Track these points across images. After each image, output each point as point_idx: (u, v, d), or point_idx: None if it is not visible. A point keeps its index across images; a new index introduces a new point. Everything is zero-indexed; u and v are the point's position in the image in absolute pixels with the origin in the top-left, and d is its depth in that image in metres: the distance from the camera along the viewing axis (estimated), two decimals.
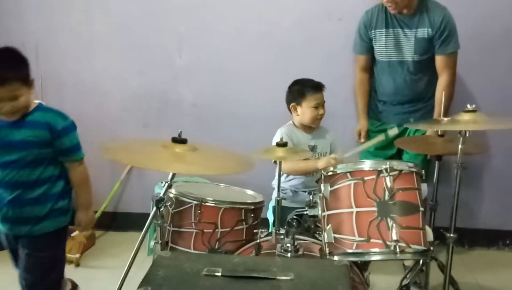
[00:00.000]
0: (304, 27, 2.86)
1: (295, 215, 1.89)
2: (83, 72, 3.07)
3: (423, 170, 1.73)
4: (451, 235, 1.87)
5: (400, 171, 1.62)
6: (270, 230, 1.98)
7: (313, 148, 2.32)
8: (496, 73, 2.80)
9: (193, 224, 1.87)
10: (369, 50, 2.60)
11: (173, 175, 1.71)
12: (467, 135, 1.78)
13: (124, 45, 3.00)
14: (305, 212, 1.81)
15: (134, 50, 3.00)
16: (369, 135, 2.70)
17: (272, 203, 2.34)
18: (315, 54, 2.88)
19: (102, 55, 3.04)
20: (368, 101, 2.71)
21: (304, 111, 2.29)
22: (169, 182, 1.67)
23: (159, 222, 1.75)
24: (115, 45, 3.01)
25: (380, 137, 2.08)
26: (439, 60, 2.48)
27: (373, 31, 2.53)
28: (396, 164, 1.63)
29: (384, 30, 2.49)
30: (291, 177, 2.32)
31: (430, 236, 1.65)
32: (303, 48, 2.88)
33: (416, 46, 2.46)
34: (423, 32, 2.44)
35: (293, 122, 2.38)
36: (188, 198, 1.89)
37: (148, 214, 1.81)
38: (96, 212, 3.07)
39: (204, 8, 2.90)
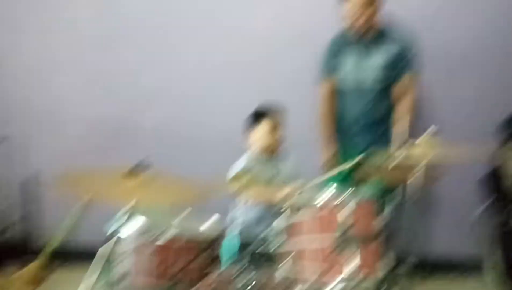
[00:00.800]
0: (266, 54, 2.91)
1: (257, 245, 1.87)
2: (41, 96, 3.02)
3: (381, 200, 1.76)
4: (410, 262, 1.90)
5: (358, 201, 1.65)
6: (231, 263, 1.94)
7: (274, 176, 2.32)
8: (454, 98, 2.91)
9: (151, 257, 1.81)
10: (334, 77, 2.63)
11: (131, 205, 1.67)
12: (422, 164, 1.84)
13: (85, 68, 2.95)
14: (263, 246, 1.80)
15: (95, 73, 2.96)
16: (334, 166, 2.64)
17: (233, 235, 2.30)
18: (278, 80, 2.92)
19: (61, 78, 2.99)
20: (332, 129, 2.72)
21: (259, 136, 2.30)
22: (126, 213, 1.62)
23: (115, 256, 1.68)
24: (76, 68, 2.97)
25: (342, 167, 2.12)
26: (401, 84, 2.56)
27: (338, 57, 2.58)
28: (354, 193, 1.65)
29: (348, 57, 2.56)
30: (253, 205, 2.30)
31: (389, 264, 1.67)
32: (266, 74, 2.92)
33: (378, 72, 2.52)
34: (387, 57, 2.51)
35: (253, 150, 2.38)
36: (145, 230, 1.83)
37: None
38: (49, 246, 2.94)
39: (166, 32, 2.91)
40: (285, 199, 1.98)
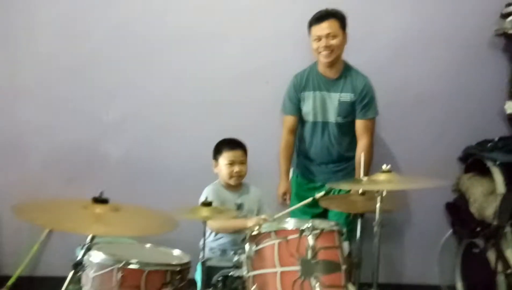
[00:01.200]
0: (235, 87, 2.96)
1: (222, 276, 1.86)
2: (4, 125, 2.94)
3: (345, 229, 1.79)
4: None
5: (322, 230, 1.67)
6: None
7: (239, 206, 2.35)
8: (408, 136, 3.02)
9: (115, 288, 1.78)
10: (297, 111, 2.68)
11: (93, 237, 1.64)
12: (384, 194, 1.89)
13: (49, 97, 2.92)
14: (231, 273, 1.79)
15: (59, 102, 2.93)
16: (299, 195, 2.71)
17: (199, 264, 2.29)
18: (246, 112, 2.97)
19: (25, 107, 2.93)
20: (290, 163, 2.77)
21: (221, 168, 2.34)
22: (87, 244, 1.59)
23: (76, 287, 1.65)
24: (40, 97, 2.92)
25: (308, 200, 2.16)
26: (359, 124, 2.63)
27: (302, 93, 2.63)
28: (318, 223, 1.68)
29: (312, 92, 2.61)
30: (219, 236, 2.31)
31: None
32: (234, 107, 2.96)
33: (339, 109, 2.59)
34: (346, 96, 2.59)
35: (219, 180, 2.40)
36: (109, 261, 1.80)
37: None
38: (10, 277, 2.85)
39: (134, 62, 2.92)
40: (251, 228, 2.00)
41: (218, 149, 2.38)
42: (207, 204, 1.82)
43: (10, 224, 2.95)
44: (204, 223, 1.82)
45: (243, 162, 2.35)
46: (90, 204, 1.57)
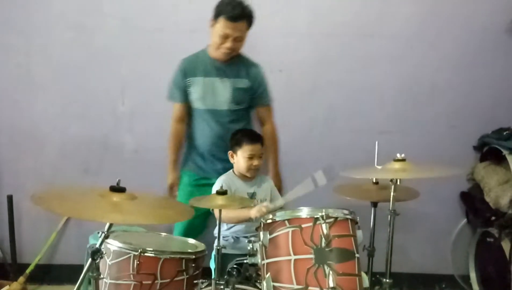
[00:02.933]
0: None
1: (236, 264, 1.88)
2: (20, 117, 2.98)
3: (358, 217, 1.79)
4: (387, 280, 1.93)
5: (336, 218, 1.68)
6: (211, 279, 1.95)
7: (251, 196, 2.36)
8: (422, 125, 3.00)
9: (131, 275, 1.82)
10: (186, 98, 2.51)
11: (110, 225, 1.67)
12: (398, 183, 1.89)
13: (64, 88, 2.95)
14: (245, 261, 1.81)
15: (74, 94, 2.96)
16: (187, 189, 2.56)
17: (214, 252, 2.32)
18: None
19: (41, 99, 2.97)
20: (178, 153, 2.62)
21: (239, 160, 2.35)
22: (105, 233, 1.62)
23: (94, 274, 1.68)
24: (55, 89, 2.95)
25: (310, 185, 2.11)
26: (263, 111, 2.60)
27: (191, 78, 2.47)
28: (332, 211, 1.68)
29: (202, 77, 2.46)
30: (232, 224, 2.33)
31: (366, 282, 1.69)
32: None
33: (233, 95, 2.47)
34: (241, 82, 2.48)
35: (233, 170, 2.42)
36: (126, 249, 1.84)
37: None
38: (29, 265, 2.91)
39: (148, 53, 2.93)
40: (262, 215, 2.02)
41: (238, 141, 2.37)
42: (221, 192, 1.84)
43: (28, 213, 3.01)
44: (219, 211, 1.84)
45: (261, 156, 2.36)
46: (107, 193, 1.60)
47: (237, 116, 2.52)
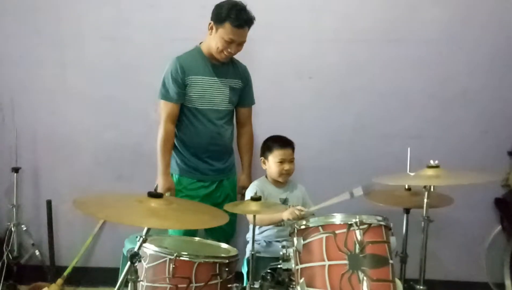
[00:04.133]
0: (276, 84, 2.99)
1: (270, 269, 1.90)
2: (57, 126, 3.09)
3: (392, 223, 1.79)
4: (421, 287, 1.92)
5: (370, 224, 1.68)
6: (245, 284, 1.98)
7: (284, 201, 2.38)
8: (454, 130, 2.96)
9: (167, 279, 1.86)
10: (182, 98, 2.43)
11: (148, 229, 1.72)
12: (432, 189, 1.88)
13: (98, 98, 3.05)
14: (279, 266, 1.83)
15: (108, 103, 3.05)
16: (183, 194, 2.47)
17: (246, 257, 2.35)
18: (287, 109, 2.99)
19: (76, 108, 3.07)
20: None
21: (271, 165, 2.38)
22: (144, 237, 1.67)
23: (132, 277, 1.73)
24: (89, 98, 3.05)
25: (345, 196, 2.12)
26: (245, 112, 2.62)
27: (191, 76, 2.41)
28: (365, 218, 1.69)
29: (201, 76, 2.42)
30: (264, 228, 2.36)
31: (400, 288, 1.69)
32: (275, 104, 2.99)
33: (230, 95, 2.48)
34: (236, 82, 2.51)
35: (266, 175, 2.45)
36: (162, 253, 1.89)
37: (119, 269, 1.79)
38: (66, 267, 3.00)
39: None
40: (292, 219, 2.08)
41: (269, 147, 2.41)
42: (256, 199, 1.86)
43: (65, 218, 3.11)
44: (254, 217, 1.87)
45: (292, 161, 2.39)
46: (145, 198, 1.65)
47: (229, 117, 2.55)
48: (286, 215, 2.10)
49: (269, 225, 2.32)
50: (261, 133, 2.65)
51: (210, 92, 2.44)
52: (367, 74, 2.96)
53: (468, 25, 2.90)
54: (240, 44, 2.37)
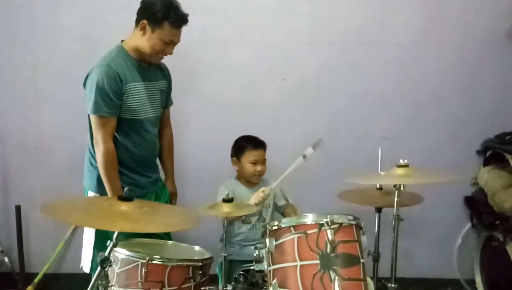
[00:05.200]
0: (250, 85, 2.99)
1: (243, 271, 1.91)
2: (27, 129, 3.02)
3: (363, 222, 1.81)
4: (392, 285, 1.95)
5: (341, 224, 1.70)
6: (219, 286, 1.97)
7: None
8: (425, 130, 3.02)
9: (139, 283, 1.84)
10: (119, 110, 2.16)
11: (118, 233, 1.70)
12: (402, 188, 1.91)
13: (70, 101, 2.98)
14: (252, 267, 1.83)
15: (80, 105, 2.98)
16: None
17: (220, 259, 2.34)
18: (261, 111, 3.00)
19: (47, 111, 3.00)
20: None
21: (243, 166, 2.39)
22: (114, 241, 1.65)
23: (103, 282, 1.70)
24: (61, 101, 2.98)
25: (299, 160, 2.14)
26: (167, 113, 2.48)
27: (127, 85, 2.15)
28: (336, 217, 1.70)
29: (139, 83, 2.20)
30: (236, 232, 2.36)
31: (371, 287, 1.71)
32: (250, 105, 2.99)
33: (161, 99, 2.34)
34: (163, 84, 2.36)
35: (236, 176, 2.45)
36: (134, 257, 1.87)
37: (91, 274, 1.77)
38: (37, 274, 2.94)
39: None
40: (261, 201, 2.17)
41: (240, 148, 2.41)
42: (228, 200, 1.86)
43: (36, 223, 3.04)
44: (226, 218, 1.87)
45: (264, 162, 2.40)
46: (115, 202, 1.63)
47: (158, 122, 2.37)
48: (252, 200, 2.17)
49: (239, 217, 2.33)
50: (235, 135, 2.64)
51: (147, 99, 2.23)
52: (340, 76, 2.99)
53: (438, 28, 2.95)
54: (174, 46, 2.21)
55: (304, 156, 2.10)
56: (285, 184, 2.69)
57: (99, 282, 1.67)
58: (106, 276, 1.68)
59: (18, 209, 2.95)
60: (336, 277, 1.61)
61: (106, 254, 1.68)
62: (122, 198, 1.65)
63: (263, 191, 2.13)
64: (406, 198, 2.18)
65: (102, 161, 2.14)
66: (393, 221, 1.95)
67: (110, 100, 2.11)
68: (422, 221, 3.02)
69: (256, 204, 2.16)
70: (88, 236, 2.27)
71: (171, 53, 2.23)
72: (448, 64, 2.99)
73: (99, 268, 1.65)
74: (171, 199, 2.51)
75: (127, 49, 2.21)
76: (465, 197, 3.06)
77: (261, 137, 2.51)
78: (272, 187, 2.18)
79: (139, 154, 2.27)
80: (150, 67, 2.29)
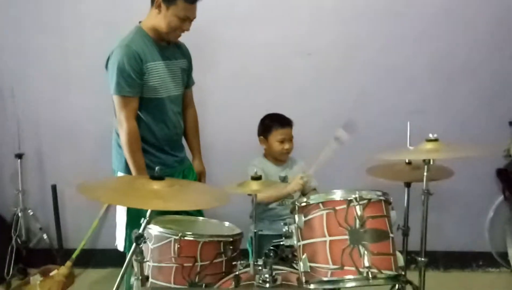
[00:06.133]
0: (274, 61, 2.97)
1: (272, 246, 1.93)
2: (59, 111, 3.11)
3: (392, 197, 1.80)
4: (422, 259, 1.95)
5: (369, 199, 1.69)
6: (249, 261, 2.02)
7: (284, 179, 2.38)
8: (456, 103, 2.96)
9: (173, 258, 1.90)
10: (141, 90, 2.19)
11: (152, 211, 1.75)
12: (431, 163, 1.88)
13: (98, 82, 3.02)
14: (281, 243, 1.86)
15: (108, 88, 3.05)
16: None
17: (250, 234, 2.38)
18: (287, 87, 2.99)
19: (78, 94, 3.08)
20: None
21: (271, 145, 2.39)
22: (147, 219, 1.70)
23: (138, 258, 1.76)
24: (90, 83, 3.03)
25: (333, 145, 2.11)
26: (189, 93, 2.49)
27: (147, 64, 2.18)
28: (365, 193, 1.69)
29: (159, 62, 2.22)
30: (265, 208, 2.38)
31: (401, 261, 1.71)
32: (275, 82, 2.99)
33: (182, 78, 2.35)
34: (183, 62, 2.37)
35: (264, 154, 2.46)
36: (167, 233, 1.92)
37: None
38: (74, 250, 3.06)
39: None
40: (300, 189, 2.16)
41: (268, 126, 2.41)
42: (256, 178, 1.88)
43: (71, 201, 3.16)
44: (255, 196, 1.89)
45: (291, 139, 2.40)
46: (148, 181, 1.67)
47: (181, 101, 2.39)
48: (292, 187, 2.17)
49: (276, 201, 2.34)
50: (261, 113, 2.64)
51: (168, 78, 2.26)
52: (367, 49, 2.94)
53: None
54: (191, 22, 2.21)
55: (337, 139, 2.07)
56: (314, 161, 2.72)
57: (135, 257, 1.73)
58: (141, 252, 1.74)
59: (54, 188, 3.07)
60: (366, 252, 1.62)
61: (140, 231, 1.74)
62: (153, 177, 1.69)
63: (302, 178, 2.13)
64: (436, 172, 2.16)
65: (125, 140, 2.18)
66: (422, 196, 1.94)
67: (132, 79, 2.14)
68: (452, 194, 2.99)
69: (295, 191, 2.18)
70: (121, 216, 2.34)
71: (188, 30, 2.22)
72: (477, 35, 2.90)
73: (134, 244, 1.71)
74: (200, 178, 2.55)
75: (145, 29, 2.23)
76: (497, 169, 3.01)
77: (287, 114, 2.51)
78: (309, 173, 2.17)
79: (163, 133, 2.30)
80: (169, 46, 2.30)
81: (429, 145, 1.88)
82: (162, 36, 2.23)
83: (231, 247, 1.97)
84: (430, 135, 1.89)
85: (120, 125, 2.20)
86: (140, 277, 1.78)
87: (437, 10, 2.87)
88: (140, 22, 2.29)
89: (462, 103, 2.96)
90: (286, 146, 2.38)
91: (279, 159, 2.42)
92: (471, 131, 2.92)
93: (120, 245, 2.38)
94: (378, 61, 2.94)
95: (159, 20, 2.18)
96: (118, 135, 2.28)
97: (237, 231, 2.09)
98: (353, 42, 2.93)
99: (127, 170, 2.27)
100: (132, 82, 2.15)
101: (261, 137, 2.44)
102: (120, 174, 2.35)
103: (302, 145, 2.62)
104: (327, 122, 2.97)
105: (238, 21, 2.94)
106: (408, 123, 2.23)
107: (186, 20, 2.18)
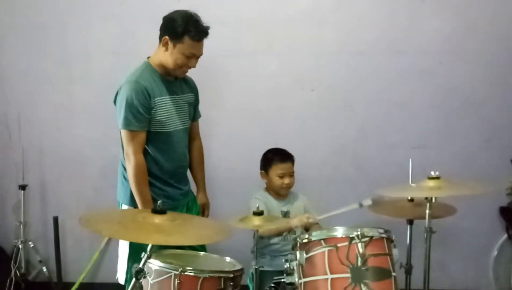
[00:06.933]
0: (278, 96, 3.01)
1: (273, 283, 1.92)
2: (63, 141, 3.13)
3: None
4: None
5: (371, 237, 1.69)
6: None
7: (285, 214, 2.40)
8: (458, 140, 2.97)
9: None
10: (148, 124, 2.24)
11: (152, 246, 1.74)
12: (434, 200, 1.88)
13: (104, 112, 3.06)
14: (282, 280, 1.84)
15: (114, 117, 3.07)
16: None
17: (251, 270, 2.36)
18: (290, 122, 3.02)
19: (82, 123, 3.11)
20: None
21: (271, 179, 2.41)
22: (148, 253, 1.69)
23: None
24: (95, 113, 3.06)
25: (354, 206, 2.11)
26: (195, 125, 2.53)
27: (155, 99, 2.22)
28: (367, 230, 1.69)
29: (166, 97, 2.26)
30: (267, 243, 2.37)
31: None
32: (279, 116, 3.02)
33: (189, 111, 2.39)
34: (190, 97, 2.41)
35: (265, 188, 2.47)
36: (167, 268, 1.90)
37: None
38: (74, 283, 3.02)
39: None
40: (303, 226, 2.13)
41: (268, 161, 2.43)
42: (258, 213, 1.88)
43: (72, 233, 3.14)
44: (256, 231, 1.88)
45: (292, 174, 2.41)
46: (149, 215, 1.67)
47: (187, 135, 2.43)
48: (294, 222, 2.15)
49: (277, 235, 2.33)
50: (264, 146, 2.65)
51: (175, 112, 2.30)
52: (369, 85, 2.98)
53: (469, 35, 2.91)
54: (198, 59, 2.26)
55: (361, 205, 2.08)
56: (315, 195, 2.71)
57: None
58: (141, 287, 1.72)
59: (55, 220, 3.04)
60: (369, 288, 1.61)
61: (140, 266, 1.73)
62: (155, 211, 1.69)
63: (308, 218, 2.13)
64: (439, 210, 2.15)
65: (132, 173, 2.20)
66: (425, 234, 1.93)
67: (140, 114, 2.18)
68: (455, 232, 2.97)
69: (297, 227, 2.18)
70: (123, 248, 2.33)
71: (194, 66, 2.27)
72: (479, 71, 2.94)
73: (133, 279, 1.69)
74: (204, 210, 2.55)
75: (153, 65, 2.28)
76: (501, 207, 2.99)
77: (289, 148, 2.52)
78: (318, 218, 2.17)
79: (169, 166, 2.31)
80: (176, 81, 2.34)
81: (431, 183, 1.89)
82: (169, 72, 2.28)
83: (231, 283, 1.94)
84: (432, 173, 1.90)
85: (127, 159, 2.23)
86: None
87: (437, 47, 2.92)
88: (148, 57, 2.35)
89: (464, 140, 2.97)
90: (286, 181, 2.38)
91: (280, 193, 2.42)
92: (473, 167, 2.92)
93: (121, 278, 2.36)
94: (378, 96, 2.97)
95: (166, 57, 2.23)
96: (124, 168, 2.31)
97: (238, 266, 2.06)
98: (356, 78, 2.97)
99: (132, 203, 2.27)
100: (140, 116, 2.19)
101: (262, 171, 2.46)
102: (125, 206, 2.35)
103: (305, 178, 2.63)
104: (329, 156, 3.01)
105: (243, 57, 2.99)
106: (410, 160, 2.24)
107: (192, 57, 2.23)
